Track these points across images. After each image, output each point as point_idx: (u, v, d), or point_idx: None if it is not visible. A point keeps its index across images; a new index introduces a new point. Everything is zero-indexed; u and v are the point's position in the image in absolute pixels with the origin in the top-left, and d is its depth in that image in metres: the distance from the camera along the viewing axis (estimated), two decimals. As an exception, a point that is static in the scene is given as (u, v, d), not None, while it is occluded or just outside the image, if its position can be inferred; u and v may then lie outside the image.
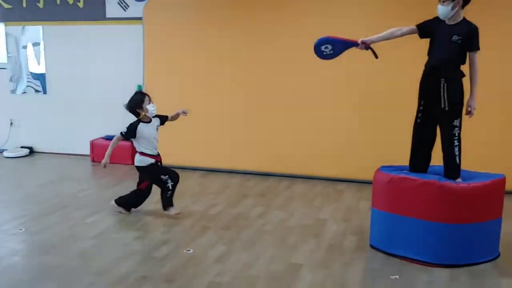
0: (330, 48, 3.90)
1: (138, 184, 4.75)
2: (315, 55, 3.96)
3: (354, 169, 5.89)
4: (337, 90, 6.00)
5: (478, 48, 3.62)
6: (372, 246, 3.92)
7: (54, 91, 7.34)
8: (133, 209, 4.77)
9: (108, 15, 6.89)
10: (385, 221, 3.77)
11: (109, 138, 6.95)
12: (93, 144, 7.00)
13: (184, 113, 4.84)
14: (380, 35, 3.84)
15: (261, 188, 5.70)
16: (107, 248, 3.89)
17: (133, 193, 4.75)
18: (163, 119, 4.74)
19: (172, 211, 4.56)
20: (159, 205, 5.00)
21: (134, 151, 6.75)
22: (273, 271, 3.49)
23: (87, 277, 3.38)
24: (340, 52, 3.94)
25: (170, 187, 4.55)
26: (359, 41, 3.85)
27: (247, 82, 6.33)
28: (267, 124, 6.26)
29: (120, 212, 4.72)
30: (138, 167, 4.67)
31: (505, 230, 4.07)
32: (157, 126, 4.67)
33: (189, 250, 3.83)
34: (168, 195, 4.56)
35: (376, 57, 3.90)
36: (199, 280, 3.33)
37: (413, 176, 3.63)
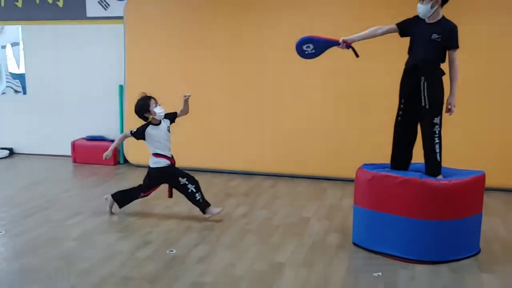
0: (312, 47, 3.92)
1: (147, 187, 4.63)
2: (297, 55, 3.97)
3: (337, 167, 5.92)
4: (320, 89, 6.02)
5: (457, 47, 3.67)
6: (354, 244, 3.94)
7: (34, 92, 7.25)
8: (118, 209, 4.70)
9: (88, 15, 6.83)
10: (367, 219, 3.79)
11: (90, 138, 6.91)
12: (74, 145, 6.94)
13: (186, 96, 4.68)
14: (361, 34, 3.87)
15: (245, 188, 5.70)
16: (90, 250, 3.85)
17: (135, 190, 4.65)
18: (172, 117, 4.63)
19: (214, 210, 4.49)
20: (142, 206, 4.99)
21: (116, 152, 6.77)
22: (256, 270, 3.49)
23: (69, 279, 3.35)
24: (322, 51, 3.96)
25: (194, 190, 4.47)
26: (340, 40, 3.87)
27: (231, 81, 6.32)
28: (251, 123, 6.26)
29: (111, 211, 4.65)
30: (154, 169, 4.54)
31: (486, 226, 4.14)
32: (168, 127, 4.57)
33: (172, 251, 3.81)
34: (197, 199, 4.48)
35: (357, 56, 3.92)
36: (182, 281, 3.32)
37: (394, 174, 3.66)
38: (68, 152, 7.02)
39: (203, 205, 4.49)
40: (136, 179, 6.10)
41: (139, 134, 4.50)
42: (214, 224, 4.43)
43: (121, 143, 4.58)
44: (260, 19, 6.15)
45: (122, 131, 6.78)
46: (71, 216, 4.65)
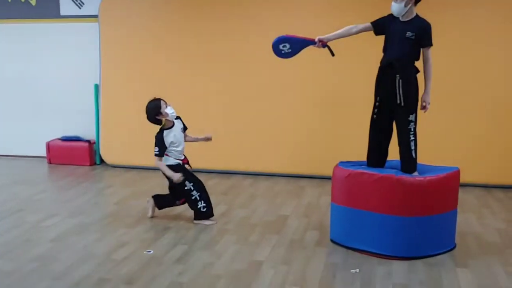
0: (288, 46, 3.94)
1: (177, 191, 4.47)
2: (274, 55, 3.98)
3: (315, 165, 5.94)
4: (297, 89, 6.04)
5: (431, 44, 3.71)
6: (332, 241, 3.96)
7: (7, 92, 7.10)
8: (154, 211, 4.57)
9: (62, 13, 6.72)
10: (344, 216, 3.82)
11: (66, 139, 6.82)
12: (49, 146, 6.82)
13: (208, 139, 4.61)
14: (336, 32, 3.90)
15: (224, 187, 5.69)
16: (65, 252, 3.80)
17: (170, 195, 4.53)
18: (184, 126, 4.51)
19: (206, 221, 4.39)
20: (118, 206, 4.94)
21: (91, 152, 6.70)
22: (234, 269, 3.49)
23: (43, 281, 3.29)
24: (298, 51, 3.98)
25: (198, 198, 4.34)
26: (316, 39, 3.89)
27: (208, 80, 6.29)
28: (229, 122, 6.24)
29: (152, 214, 4.52)
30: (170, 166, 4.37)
31: (461, 221, 4.20)
32: (182, 128, 4.44)
33: (150, 251, 3.78)
34: (198, 207, 4.34)
35: (333, 54, 3.95)
36: (160, 281, 3.29)
37: (370, 171, 3.69)
38: (43, 153, 6.90)
39: (201, 215, 4.38)
40: (112, 180, 6.08)
41: (162, 147, 4.30)
42: (192, 224, 4.40)
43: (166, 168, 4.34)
44: (238, 17, 6.14)
45: (98, 131, 6.71)
46: (46, 217, 4.57)
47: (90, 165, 6.71)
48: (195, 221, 4.40)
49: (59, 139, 6.89)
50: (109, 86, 6.57)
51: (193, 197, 4.36)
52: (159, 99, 4.35)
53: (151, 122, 4.36)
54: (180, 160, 4.44)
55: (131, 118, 6.50)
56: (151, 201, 4.55)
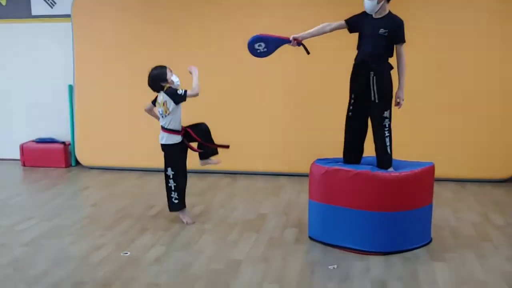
0: (264, 46, 3.95)
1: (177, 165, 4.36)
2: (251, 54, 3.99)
3: (293, 163, 5.96)
4: (273, 86, 6.04)
5: (403, 41, 3.75)
6: (310, 238, 3.97)
7: (-21, 94, 6.97)
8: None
9: (34, 13, 6.60)
10: (322, 213, 3.83)
11: (40, 141, 6.71)
12: (23, 148, 6.70)
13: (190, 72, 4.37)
14: (310, 31, 3.91)
15: (202, 186, 5.66)
16: (40, 255, 3.73)
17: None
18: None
19: (184, 218, 4.36)
20: (95, 208, 4.89)
21: (66, 154, 6.61)
22: (213, 269, 3.47)
23: (18, 286, 3.23)
24: (274, 50, 4.00)
25: (173, 188, 4.29)
26: (291, 38, 3.90)
27: (184, 80, 6.24)
28: (205, 121, 6.19)
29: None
30: (165, 145, 4.32)
31: (436, 215, 4.26)
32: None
33: (126, 253, 3.74)
34: (171, 196, 4.30)
35: (308, 53, 3.96)
36: (137, 283, 3.26)
37: (346, 168, 3.72)
38: (17, 155, 6.77)
39: (172, 206, 4.35)
40: (88, 181, 6.00)
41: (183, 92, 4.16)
42: (170, 224, 4.37)
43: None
44: (214, 16, 6.11)
45: (73, 132, 6.61)
46: (21, 221, 4.49)
47: (66, 167, 6.62)
48: (170, 211, 4.41)
49: (33, 141, 6.77)
50: (83, 86, 6.48)
51: (169, 184, 4.34)
52: (165, 67, 4.28)
53: (153, 89, 4.27)
54: (179, 132, 4.30)
55: (106, 119, 6.44)
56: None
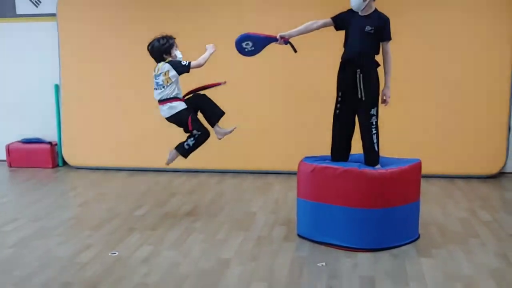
0: (251, 44, 3.96)
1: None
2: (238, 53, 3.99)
3: (282, 161, 5.96)
4: (263, 85, 6.04)
5: (390, 38, 3.76)
6: (299, 236, 3.98)
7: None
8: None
9: (18, 12, 6.54)
10: (310, 210, 3.84)
11: (26, 141, 6.66)
12: (9, 149, 6.64)
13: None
14: (297, 29, 3.92)
15: (190, 186, 5.65)
16: (27, 256, 3.70)
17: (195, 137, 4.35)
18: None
19: (170, 155, 4.37)
20: (82, 208, 4.86)
21: (53, 154, 6.55)
22: (201, 268, 3.46)
23: (5, 288, 3.21)
24: (261, 48, 4.01)
25: (191, 143, 4.31)
26: (278, 36, 3.91)
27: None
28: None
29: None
30: (176, 114, 4.25)
31: (424, 211, 4.28)
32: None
33: (114, 253, 3.72)
34: (185, 144, 4.32)
35: (295, 51, 3.97)
36: (125, 283, 3.24)
37: (334, 165, 3.72)
38: (3, 156, 6.71)
39: (180, 148, 4.36)
40: (76, 181, 5.97)
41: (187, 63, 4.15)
42: (159, 223, 4.36)
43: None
44: (200, 14, 6.09)
45: (59, 132, 6.56)
46: (7, 222, 4.44)
47: (53, 167, 6.57)
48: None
49: (19, 141, 6.71)
50: (69, 86, 6.43)
51: (191, 137, 4.33)
52: (173, 39, 4.21)
53: (153, 56, 4.22)
54: (182, 99, 4.28)
55: (93, 118, 6.41)
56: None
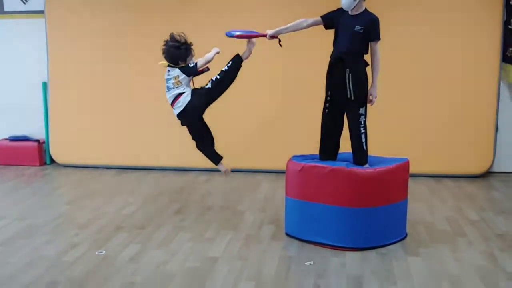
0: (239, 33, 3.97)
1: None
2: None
3: (270, 160, 5.96)
4: (251, 82, 6.00)
5: (379, 38, 3.76)
6: (287, 234, 3.98)
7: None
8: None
9: (6, 9, 6.48)
10: (298, 209, 3.84)
11: (13, 139, 6.60)
12: (-4, 147, 6.59)
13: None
14: (286, 26, 3.93)
15: (179, 184, 5.63)
16: (13, 255, 3.66)
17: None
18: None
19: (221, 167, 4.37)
20: (70, 207, 4.82)
21: (41, 152, 6.50)
22: (189, 266, 3.45)
23: (-11, 287, 3.18)
24: (249, 37, 4.02)
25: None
26: (268, 36, 3.94)
27: (160, 78, 6.17)
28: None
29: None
30: (182, 111, 4.15)
31: (412, 211, 4.29)
32: None
33: (101, 252, 3.70)
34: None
35: (280, 45, 3.99)
36: (112, 282, 3.23)
37: (322, 164, 3.73)
38: (-11, 154, 6.65)
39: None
40: (64, 179, 5.92)
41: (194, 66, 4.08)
42: (146, 222, 4.34)
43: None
44: (189, 12, 6.07)
45: (47, 130, 6.51)
46: (-7, 221, 4.41)
47: (40, 165, 6.52)
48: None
49: (6, 139, 6.65)
50: (57, 83, 6.39)
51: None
52: (191, 47, 4.11)
53: (167, 58, 4.14)
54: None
55: (81, 116, 6.36)
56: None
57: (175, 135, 6.12)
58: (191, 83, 4.14)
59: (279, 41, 3.97)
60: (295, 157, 4.00)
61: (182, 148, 6.09)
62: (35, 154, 6.47)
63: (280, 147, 5.86)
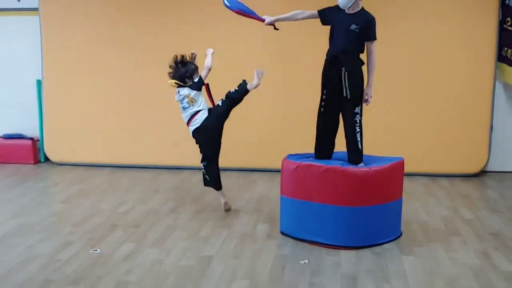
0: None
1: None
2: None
3: (265, 159, 5.95)
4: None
5: (375, 38, 3.76)
6: (282, 233, 3.98)
7: None
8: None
9: (0, 6, 6.44)
10: (293, 208, 3.84)
11: (7, 136, 6.57)
12: (-11, 144, 6.55)
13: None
14: (283, 16, 4.00)
15: (174, 182, 5.62)
16: (8, 254, 3.64)
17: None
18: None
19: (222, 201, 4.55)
20: (64, 205, 4.81)
21: (35, 150, 6.48)
22: (184, 265, 3.45)
23: (-17, 286, 3.16)
24: (247, 13, 4.14)
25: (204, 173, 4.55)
26: (265, 23, 4.02)
27: (155, 75, 6.17)
28: (179, 118, 6.14)
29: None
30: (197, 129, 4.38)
31: (407, 209, 4.31)
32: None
33: (96, 250, 3.69)
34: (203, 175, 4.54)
35: (276, 29, 4.07)
36: (107, 280, 3.22)
37: (317, 163, 3.73)
38: (-17, 152, 6.61)
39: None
40: (58, 178, 5.90)
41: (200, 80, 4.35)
42: (141, 221, 4.33)
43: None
44: (182, 11, 6.05)
45: (41, 128, 6.49)
46: (-13, 219, 4.39)
47: (34, 163, 6.49)
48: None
49: (0, 137, 6.62)
50: (52, 81, 6.36)
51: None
52: (195, 66, 4.33)
53: (175, 78, 4.31)
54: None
55: (76, 114, 6.34)
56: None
57: (170, 133, 6.14)
58: (206, 103, 4.33)
59: (274, 27, 4.06)
60: (290, 156, 4.00)
61: (177, 146, 6.11)
62: (29, 152, 6.45)
63: (275, 146, 5.86)
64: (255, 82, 4.31)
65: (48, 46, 6.30)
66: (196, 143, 4.45)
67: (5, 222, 4.32)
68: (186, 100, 4.28)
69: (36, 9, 6.30)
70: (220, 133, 4.40)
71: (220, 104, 4.31)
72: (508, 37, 5.62)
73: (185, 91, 4.28)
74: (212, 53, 4.35)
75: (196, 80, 4.30)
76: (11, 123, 6.64)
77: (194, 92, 4.28)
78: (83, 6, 6.23)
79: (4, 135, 6.60)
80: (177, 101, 4.38)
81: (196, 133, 4.36)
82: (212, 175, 4.49)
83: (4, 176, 5.96)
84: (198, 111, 4.30)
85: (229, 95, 4.31)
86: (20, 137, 6.55)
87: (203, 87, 4.37)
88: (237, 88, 4.31)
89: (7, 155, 6.47)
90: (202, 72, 4.32)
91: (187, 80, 4.31)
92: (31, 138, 6.52)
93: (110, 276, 3.28)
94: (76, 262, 3.48)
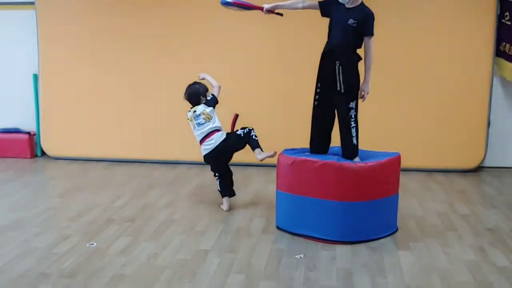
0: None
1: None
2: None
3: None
4: (243, 77, 6.00)
5: (372, 34, 3.72)
6: (278, 228, 3.98)
7: None
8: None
9: (-4, 0, 6.44)
10: (289, 202, 3.84)
11: (4, 131, 6.57)
12: (-14, 138, 6.54)
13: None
14: (283, 3, 3.98)
15: (170, 177, 5.61)
16: (4, 247, 3.64)
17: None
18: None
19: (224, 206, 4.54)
20: (61, 199, 4.80)
21: (32, 144, 6.47)
22: (179, 259, 3.45)
23: (-21, 279, 3.16)
24: (244, 9, 4.10)
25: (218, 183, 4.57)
26: (264, 10, 4.00)
27: (152, 69, 6.17)
28: (175, 112, 6.14)
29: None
30: (224, 145, 4.42)
31: (403, 205, 4.32)
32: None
33: (92, 244, 3.69)
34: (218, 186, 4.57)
35: (281, 15, 4.07)
36: (102, 274, 3.22)
37: (313, 158, 3.72)
38: (-20, 146, 6.60)
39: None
40: (55, 172, 5.89)
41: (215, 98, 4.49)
42: (137, 215, 4.33)
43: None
44: (178, 9, 6.03)
45: (38, 122, 6.47)
46: (-17, 213, 4.38)
47: (31, 157, 6.49)
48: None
49: (-3, 131, 6.62)
50: (48, 75, 6.34)
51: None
52: (206, 88, 4.47)
53: (191, 101, 4.45)
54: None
55: (72, 108, 6.34)
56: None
57: (166, 128, 6.14)
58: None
59: (276, 13, 4.05)
60: (286, 150, 4.00)
61: (174, 141, 6.11)
62: (26, 146, 6.44)
63: (271, 141, 5.83)
64: (265, 156, 4.35)
65: (44, 41, 6.29)
66: (207, 163, 4.52)
67: (1, 216, 4.32)
68: (202, 116, 4.36)
69: (32, 3, 6.28)
70: (231, 156, 4.52)
71: (241, 134, 4.43)
72: (506, 32, 5.61)
73: (201, 108, 4.39)
74: (206, 76, 4.54)
75: (209, 98, 4.44)
76: (7, 117, 6.63)
77: (210, 108, 4.38)
78: (80, 0, 6.20)
79: (0, 129, 6.59)
80: (188, 119, 4.43)
81: (212, 154, 4.37)
82: (228, 186, 4.54)
83: (0, 170, 5.95)
84: (214, 130, 4.35)
85: (249, 134, 4.47)
86: (16, 131, 6.54)
87: (233, 117, 4.59)
88: (255, 138, 4.45)
89: (4, 149, 6.47)
90: (214, 90, 4.47)
91: (201, 97, 4.43)
92: (28, 133, 6.51)
93: (106, 269, 3.28)
94: (72, 256, 3.48)
